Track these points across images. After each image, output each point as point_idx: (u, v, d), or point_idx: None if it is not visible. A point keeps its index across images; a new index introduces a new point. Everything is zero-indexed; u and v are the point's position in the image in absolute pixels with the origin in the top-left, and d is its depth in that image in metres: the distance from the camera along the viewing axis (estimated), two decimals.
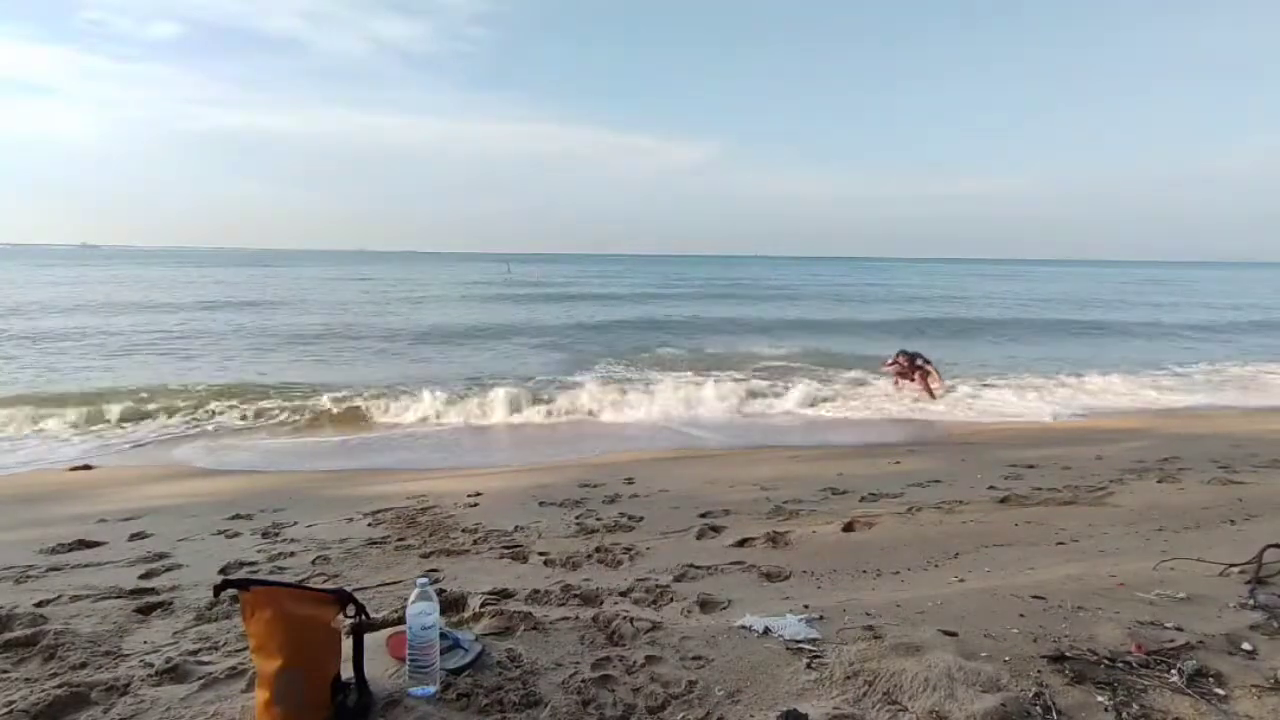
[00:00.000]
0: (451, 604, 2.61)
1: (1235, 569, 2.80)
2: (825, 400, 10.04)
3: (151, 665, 2.05)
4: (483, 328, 19.50)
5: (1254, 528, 3.74)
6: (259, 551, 3.84)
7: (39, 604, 2.79)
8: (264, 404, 9.14)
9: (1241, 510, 4.19)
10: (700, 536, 4.00)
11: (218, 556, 3.74)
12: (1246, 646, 2.11)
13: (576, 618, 2.41)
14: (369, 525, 4.38)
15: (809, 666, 2.01)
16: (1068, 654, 2.05)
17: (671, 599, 2.79)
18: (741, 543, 3.80)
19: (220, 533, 4.29)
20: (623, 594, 2.85)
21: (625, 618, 2.36)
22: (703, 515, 4.43)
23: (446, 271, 63.92)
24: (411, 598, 1.80)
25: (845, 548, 3.69)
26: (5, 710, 1.77)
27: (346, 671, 1.75)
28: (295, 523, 4.49)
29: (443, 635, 1.91)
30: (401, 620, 1.88)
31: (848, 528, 4.03)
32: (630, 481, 5.56)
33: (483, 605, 2.54)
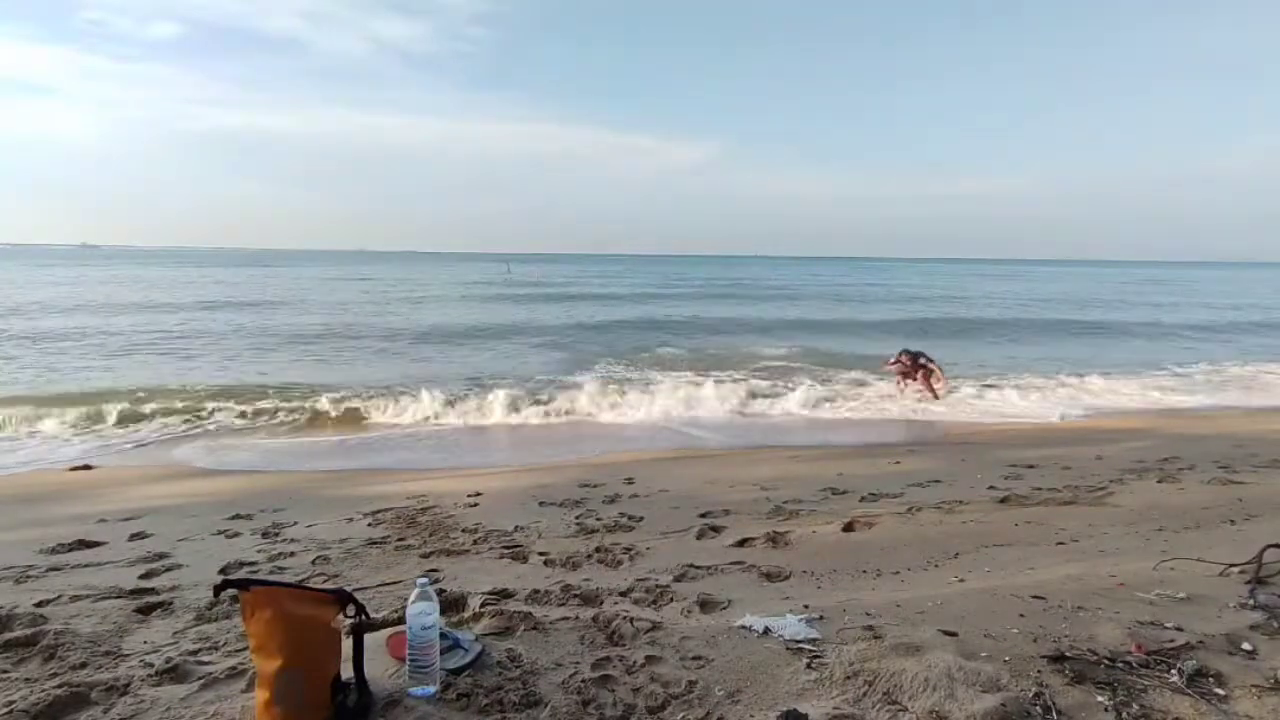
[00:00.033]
0: (451, 604, 2.61)
1: (1235, 569, 2.80)
2: (825, 400, 10.03)
3: (151, 665, 2.05)
4: (483, 328, 19.50)
5: (1254, 528, 3.74)
6: (259, 551, 3.84)
7: (39, 604, 2.79)
8: (264, 404, 9.14)
9: (1241, 510, 4.19)
10: (700, 536, 4.00)
11: (218, 556, 3.74)
12: (1246, 646, 2.11)
13: (576, 618, 2.41)
14: (369, 525, 4.38)
15: (809, 666, 2.01)
16: (1068, 654, 2.05)
17: (671, 599, 2.79)
18: (741, 543, 3.81)
19: (220, 533, 4.29)
20: (623, 594, 2.85)
21: (625, 618, 2.36)
22: (703, 515, 4.43)
23: (446, 271, 63.91)
24: (411, 598, 1.80)
25: (845, 548, 3.69)
26: (5, 710, 1.77)
27: (346, 671, 1.75)
28: (295, 523, 4.49)
29: (443, 635, 1.91)
30: (401, 620, 1.88)
31: (848, 528, 4.03)
32: (630, 481, 5.56)
33: (483, 605, 2.54)
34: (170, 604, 2.84)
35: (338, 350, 15.02)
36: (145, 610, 2.76)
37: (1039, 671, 1.96)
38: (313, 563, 3.59)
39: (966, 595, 2.68)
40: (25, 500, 5.37)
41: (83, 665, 2.12)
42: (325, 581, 3.26)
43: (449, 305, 27.76)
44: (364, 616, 1.76)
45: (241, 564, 3.59)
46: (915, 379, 10.38)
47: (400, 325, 19.68)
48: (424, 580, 1.86)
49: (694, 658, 2.09)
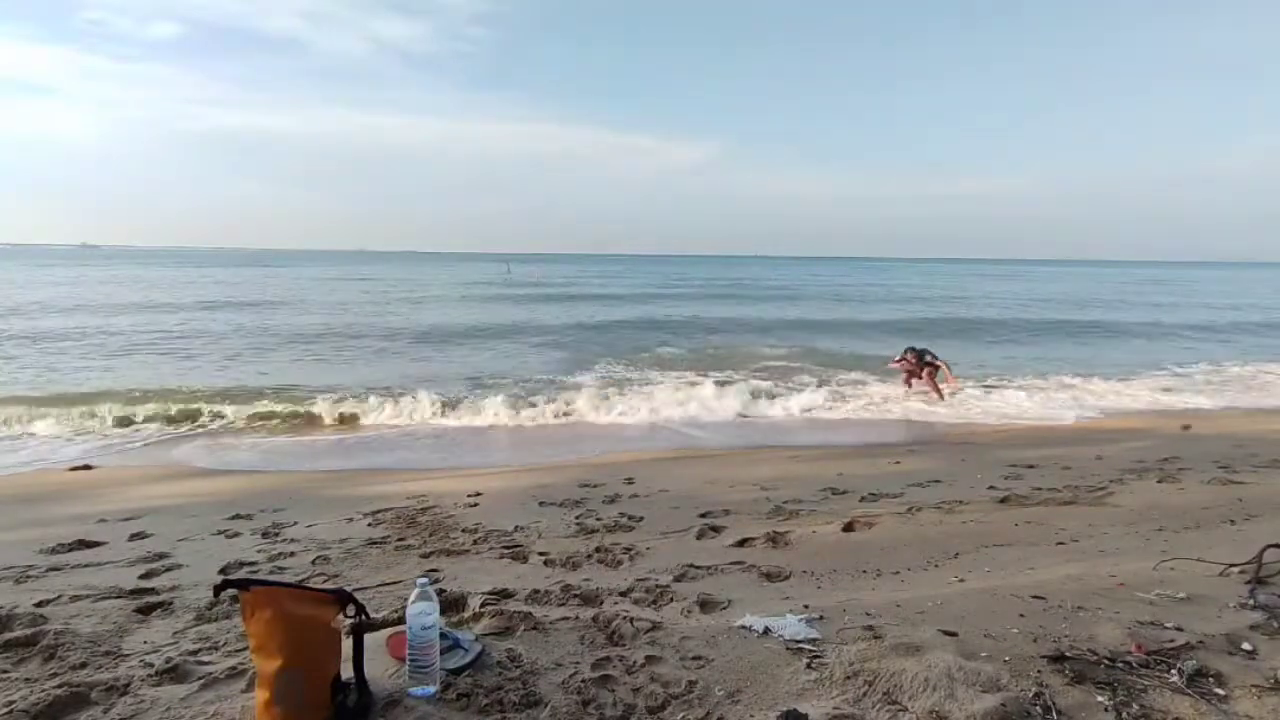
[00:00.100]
0: (451, 604, 2.61)
1: (1235, 569, 2.80)
2: (825, 400, 10.02)
3: (151, 665, 2.05)
4: (483, 328, 19.50)
5: (1254, 528, 3.74)
6: (259, 551, 3.84)
7: (39, 604, 2.79)
8: (264, 404, 9.14)
9: (1241, 510, 4.19)
10: (700, 536, 4.00)
11: (218, 556, 3.74)
12: (1246, 646, 2.11)
13: (576, 618, 2.41)
14: (369, 525, 4.38)
15: (809, 666, 2.01)
16: (1068, 654, 2.05)
17: (671, 599, 2.79)
18: (741, 543, 3.80)
19: (220, 533, 4.29)
20: (623, 594, 2.85)
21: (625, 618, 2.36)
22: (703, 515, 4.43)
23: (446, 271, 63.93)
24: (411, 598, 1.80)
25: (845, 548, 3.69)
26: (5, 710, 1.77)
27: (346, 671, 1.75)
28: (295, 523, 4.49)
29: (443, 635, 1.91)
30: (401, 620, 1.88)
31: (848, 528, 4.03)
32: (630, 481, 5.56)
33: (483, 605, 2.54)
34: (170, 604, 2.84)
35: (338, 350, 15.03)
36: (145, 610, 2.76)
37: (1039, 671, 1.96)
38: (313, 563, 3.59)
39: (966, 595, 2.68)
40: (25, 500, 5.37)
41: (83, 665, 2.12)
42: (325, 581, 3.26)
43: (449, 305, 27.76)
44: (364, 616, 1.76)
45: (241, 564, 3.59)
46: (921, 378, 10.23)
47: (400, 325, 19.68)
48: (424, 580, 1.86)
49: (694, 658, 2.09)
